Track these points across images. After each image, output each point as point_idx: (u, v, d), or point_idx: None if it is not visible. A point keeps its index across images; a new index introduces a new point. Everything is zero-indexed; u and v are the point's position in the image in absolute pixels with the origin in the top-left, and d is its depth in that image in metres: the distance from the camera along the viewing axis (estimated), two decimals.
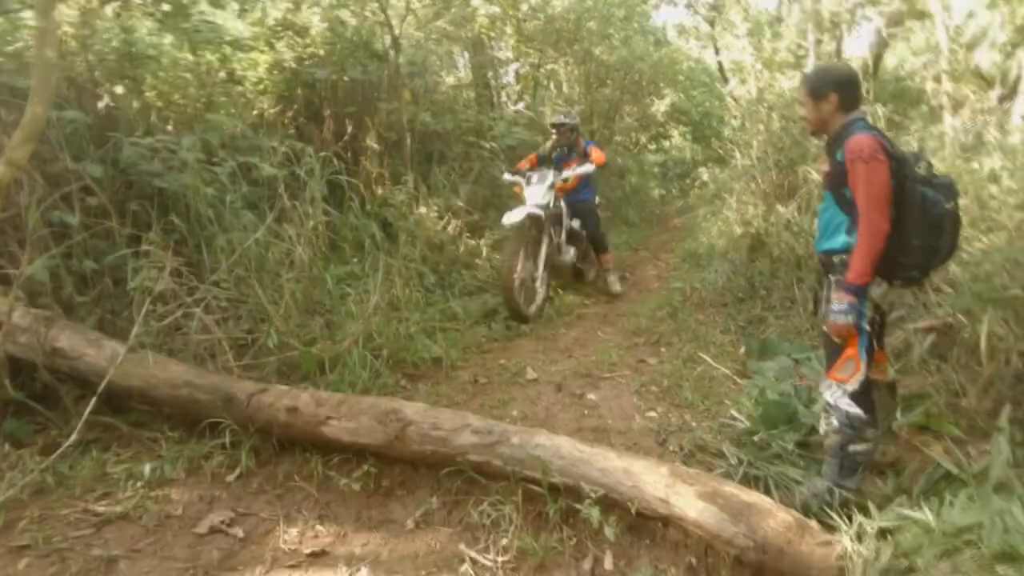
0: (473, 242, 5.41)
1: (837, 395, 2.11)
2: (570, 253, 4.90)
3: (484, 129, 6.56)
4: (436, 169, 5.92)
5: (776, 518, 1.78)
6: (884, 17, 5.91)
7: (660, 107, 11.66)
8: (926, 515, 1.69)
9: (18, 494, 2.23)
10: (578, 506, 2.01)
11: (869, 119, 2.16)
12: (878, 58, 6.46)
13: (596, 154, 4.85)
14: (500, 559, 1.95)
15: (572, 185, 4.94)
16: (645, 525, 2.03)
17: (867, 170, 1.94)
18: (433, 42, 6.95)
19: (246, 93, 5.39)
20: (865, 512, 1.95)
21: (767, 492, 2.13)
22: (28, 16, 4.05)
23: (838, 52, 6.57)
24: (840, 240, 2.12)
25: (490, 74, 7.81)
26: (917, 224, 1.98)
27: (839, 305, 2.02)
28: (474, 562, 1.95)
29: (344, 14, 5.88)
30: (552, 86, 9.62)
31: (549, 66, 8.66)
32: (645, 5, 10.94)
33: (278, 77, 5.39)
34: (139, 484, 2.32)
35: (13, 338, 2.62)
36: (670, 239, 8.15)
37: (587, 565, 1.93)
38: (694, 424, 2.86)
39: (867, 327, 2.10)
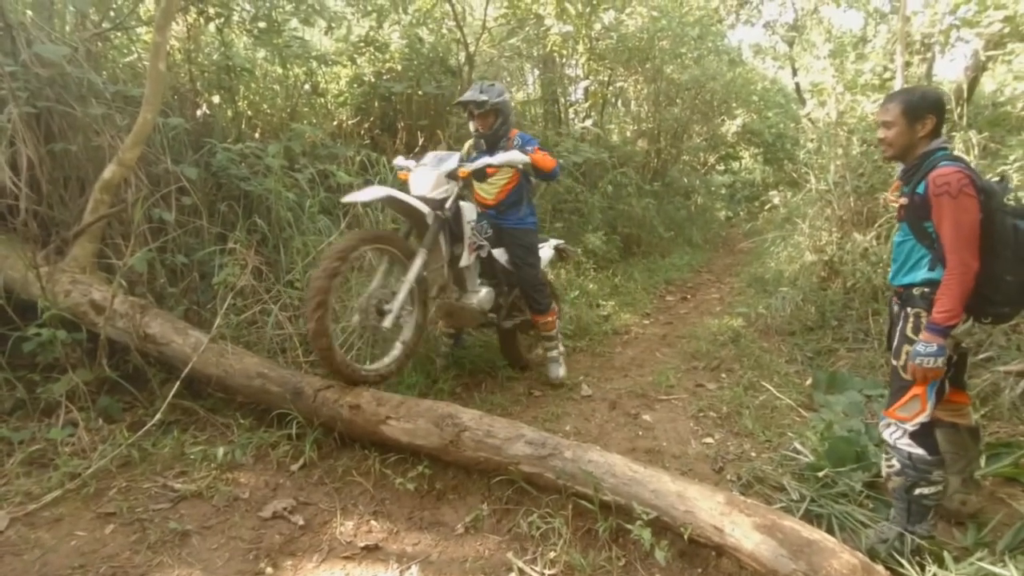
0: None
1: (896, 435, 2.00)
2: (480, 294, 3.24)
3: (551, 144, 6.64)
4: None
5: (840, 559, 1.69)
6: (983, 39, 5.56)
7: (731, 127, 11.40)
8: (1011, 572, 1.57)
9: (108, 465, 2.44)
10: (629, 526, 1.98)
11: (952, 148, 2.03)
12: (974, 82, 6.06)
13: (547, 156, 3.21)
14: (547, 572, 1.95)
15: (498, 198, 3.35)
16: (698, 552, 1.98)
17: (955, 206, 1.83)
18: (505, 59, 7.12)
19: (327, 104, 5.71)
20: (940, 562, 1.83)
21: (830, 532, 2.03)
22: (142, 31, 4.47)
23: (928, 75, 6.22)
24: (921, 274, 1.99)
25: (559, 91, 7.89)
26: (1011, 259, 1.86)
27: (927, 347, 1.89)
28: (521, 572, 1.96)
29: (423, 31, 6.13)
30: (620, 104, 9.61)
31: (618, 84, 8.66)
32: (720, 25, 10.78)
33: (357, 90, 5.68)
34: (212, 466, 2.48)
35: (112, 322, 2.87)
36: (735, 262, 7.91)
37: None
38: (753, 454, 2.76)
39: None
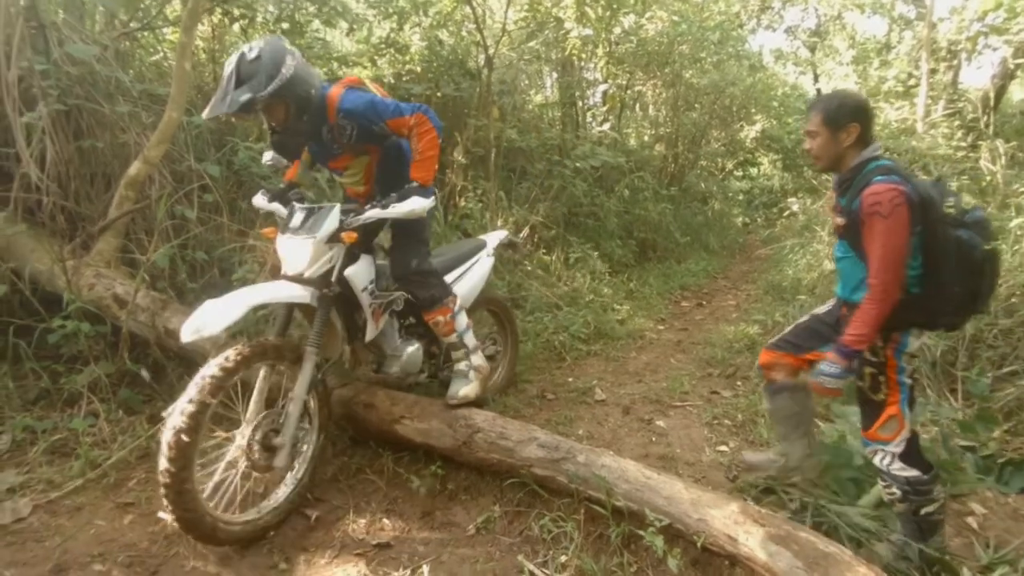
0: (548, 258, 5.47)
1: (887, 462, 1.94)
2: (402, 357, 2.61)
3: (568, 148, 6.64)
4: (518, 185, 6.05)
5: (856, 572, 1.67)
6: (1012, 46, 5.45)
7: (750, 133, 11.30)
8: None
9: (127, 456, 2.48)
10: (641, 532, 1.97)
11: (882, 153, 1.90)
12: (1002, 90, 5.95)
13: (424, 142, 2.26)
14: None
15: (368, 183, 2.60)
16: (711, 561, 1.96)
17: (886, 228, 1.73)
18: (524, 62, 7.13)
19: None
20: None
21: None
22: (168, 31, 4.56)
23: (955, 82, 6.12)
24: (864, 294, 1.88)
25: (577, 94, 7.89)
26: (957, 270, 1.79)
27: (831, 368, 1.85)
28: (532, 575, 1.96)
29: (443, 34, 6.17)
30: (638, 108, 9.58)
31: (637, 88, 8.63)
32: (741, 30, 10.70)
33: None
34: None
35: (135, 316, 2.92)
36: (752, 269, 7.83)
37: None
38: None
39: (907, 380, 1.93)
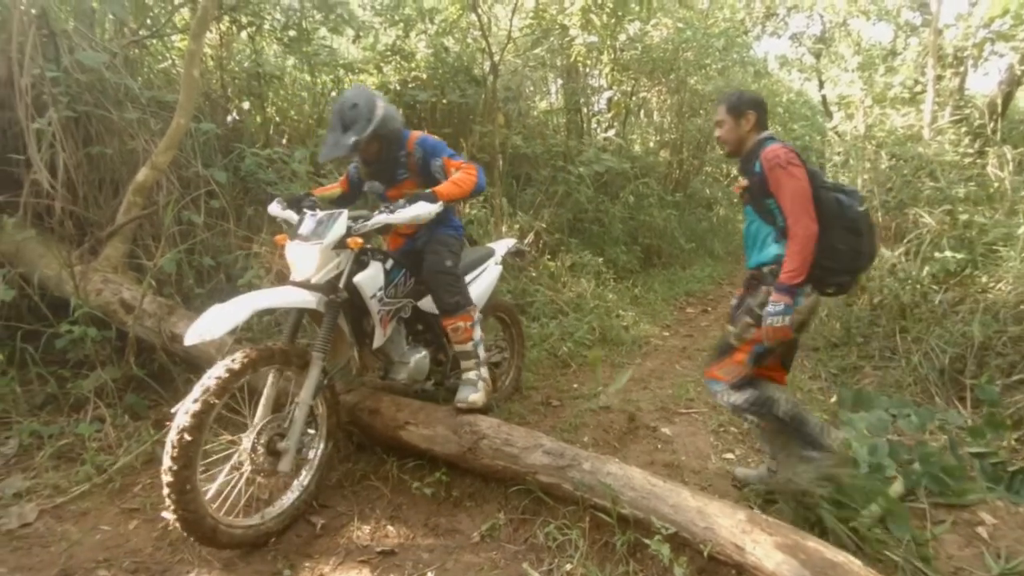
0: (553, 264, 5.46)
1: (727, 398, 2.22)
2: (410, 364, 2.64)
3: (572, 154, 6.65)
4: (523, 191, 6.06)
5: None
6: (1018, 53, 5.44)
7: None
8: None
9: (133, 462, 2.49)
10: (647, 541, 1.96)
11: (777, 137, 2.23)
12: (1008, 96, 5.93)
13: (462, 176, 2.46)
14: None
15: (416, 227, 2.68)
16: (717, 570, 1.94)
17: (787, 175, 2.04)
18: (529, 68, 7.16)
19: None
20: None
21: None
22: (177, 39, 4.61)
23: (961, 89, 6.10)
24: (771, 252, 2.17)
25: (582, 100, 7.91)
26: (838, 228, 2.07)
27: (775, 307, 2.06)
28: None
29: (448, 41, 6.21)
30: (643, 114, 9.59)
31: (642, 94, 8.65)
32: (746, 36, 10.72)
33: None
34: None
35: (141, 321, 2.93)
36: None
37: None
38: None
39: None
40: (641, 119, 9.63)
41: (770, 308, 2.07)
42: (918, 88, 5.94)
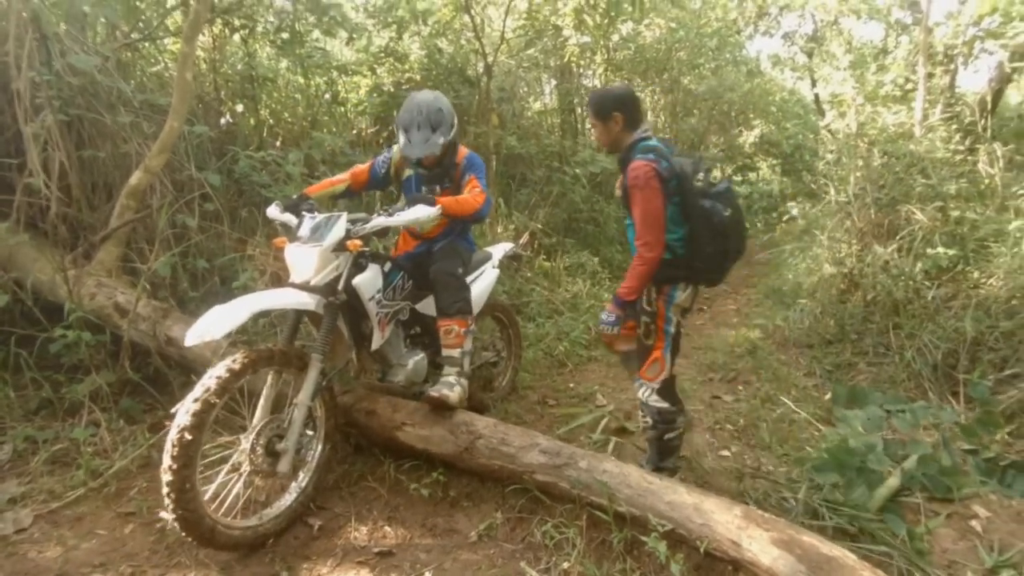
0: (548, 263, 5.47)
1: (647, 394, 2.33)
2: (408, 366, 2.66)
3: (567, 154, 6.66)
4: (518, 191, 6.07)
5: None
6: (1008, 50, 5.48)
7: (748, 138, 11.34)
8: None
9: (128, 466, 2.48)
10: (644, 538, 1.97)
11: (651, 134, 2.25)
12: (999, 94, 5.97)
13: (469, 197, 2.56)
14: None
15: (435, 232, 2.79)
16: (713, 566, 1.96)
17: (642, 197, 2.09)
18: (523, 69, 7.17)
19: (347, 113, 5.80)
20: None
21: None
22: (169, 42, 4.59)
23: (952, 86, 6.14)
24: None
25: (576, 101, 7.93)
26: (706, 233, 2.15)
27: (608, 316, 2.22)
28: None
29: (442, 42, 6.21)
30: None
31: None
32: (739, 36, 10.76)
33: (377, 99, 5.76)
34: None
35: (136, 325, 2.92)
36: (751, 274, 7.83)
37: None
38: (770, 467, 2.73)
39: (672, 330, 2.29)
40: None
41: (603, 316, 2.24)
42: (909, 86, 5.98)
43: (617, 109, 2.20)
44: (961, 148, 4.87)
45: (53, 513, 2.23)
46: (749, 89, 10.14)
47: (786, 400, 3.38)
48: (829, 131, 6.49)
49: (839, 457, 2.51)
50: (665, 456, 2.41)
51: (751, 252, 9.79)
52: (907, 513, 2.33)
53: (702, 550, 1.87)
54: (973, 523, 2.30)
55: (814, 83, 12.25)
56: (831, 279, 4.72)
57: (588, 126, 7.65)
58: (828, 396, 3.46)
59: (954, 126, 5.18)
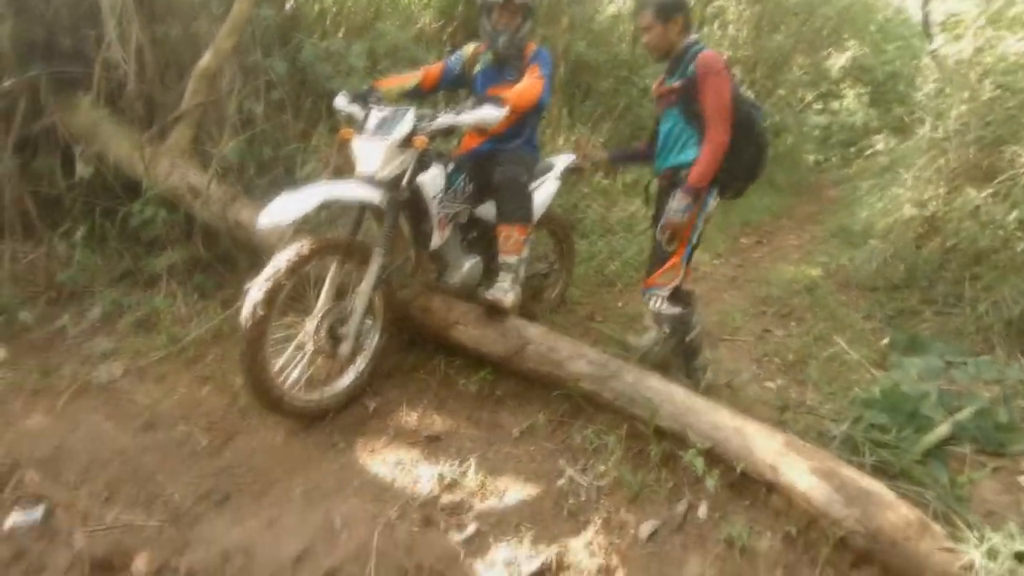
0: (607, 181, 5.32)
1: (659, 304, 2.44)
2: (463, 269, 2.71)
3: (638, 65, 6.26)
4: (582, 103, 5.80)
5: (897, 512, 1.68)
6: None
7: (838, 61, 10.33)
8: None
9: (204, 335, 2.68)
10: (680, 452, 2.03)
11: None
12: None
13: (529, 83, 2.53)
14: (596, 483, 2.05)
15: (498, 129, 2.58)
16: (747, 486, 2.01)
17: (717, 82, 2.16)
18: None
19: (411, 6, 5.54)
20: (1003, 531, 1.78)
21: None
22: None
23: None
24: (691, 154, 2.29)
25: None
26: (746, 138, 2.25)
27: (680, 204, 2.27)
28: (571, 480, 2.06)
29: None
30: (717, 27, 8.84)
31: (718, 3, 7.93)
32: None
33: None
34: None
35: (208, 206, 3.05)
36: (819, 211, 7.45)
37: (681, 508, 1.96)
38: (815, 404, 2.71)
39: (695, 240, 2.41)
40: (715, 31, 8.88)
41: (674, 204, 2.28)
42: None
43: (680, 11, 2.26)
44: None
45: (140, 369, 2.47)
46: (848, 4, 9.10)
47: (840, 341, 3.30)
48: (935, 57, 5.82)
49: (890, 399, 2.47)
50: (692, 357, 2.55)
51: (822, 187, 9.25)
52: (952, 462, 2.30)
53: (739, 470, 1.92)
54: (1020, 479, 2.26)
55: (926, 1, 10.85)
56: (909, 221, 4.42)
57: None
58: (886, 341, 3.35)
59: None
